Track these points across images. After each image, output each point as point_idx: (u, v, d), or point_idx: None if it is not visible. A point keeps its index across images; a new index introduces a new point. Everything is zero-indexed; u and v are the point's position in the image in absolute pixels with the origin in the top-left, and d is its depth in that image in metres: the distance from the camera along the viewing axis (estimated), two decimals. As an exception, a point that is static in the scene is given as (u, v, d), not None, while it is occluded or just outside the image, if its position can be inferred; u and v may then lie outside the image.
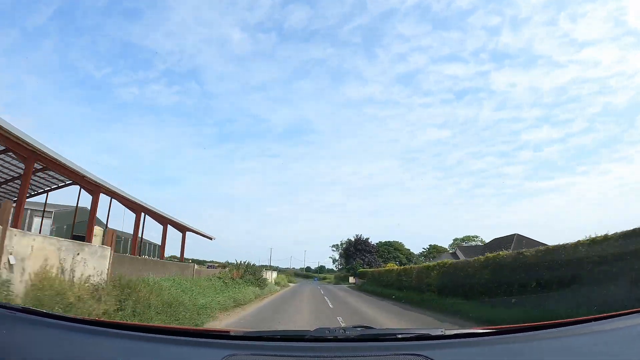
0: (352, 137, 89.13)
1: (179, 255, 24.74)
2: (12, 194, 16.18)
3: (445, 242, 65.80)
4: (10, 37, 63.43)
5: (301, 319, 10.88)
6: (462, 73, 70.45)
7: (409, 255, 67.20)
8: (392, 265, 39.71)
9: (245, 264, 21.88)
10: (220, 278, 17.30)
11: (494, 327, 1.45)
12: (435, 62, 74.36)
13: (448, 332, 1.39)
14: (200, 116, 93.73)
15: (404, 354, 1.18)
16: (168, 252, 25.09)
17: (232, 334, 1.43)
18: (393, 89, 79.68)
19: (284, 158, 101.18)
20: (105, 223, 17.17)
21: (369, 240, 61.33)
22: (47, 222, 20.59)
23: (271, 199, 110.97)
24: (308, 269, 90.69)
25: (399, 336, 1.39)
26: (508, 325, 1.46)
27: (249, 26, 77.07)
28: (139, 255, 18.27)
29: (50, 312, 1.56)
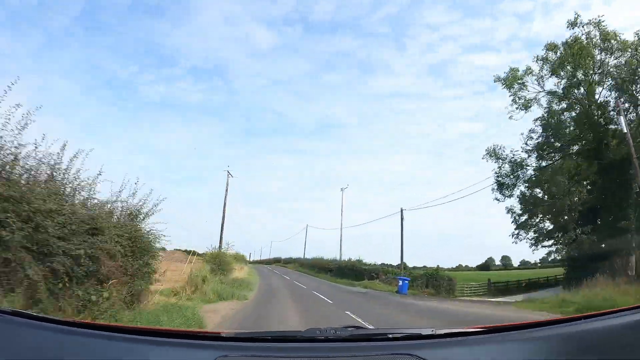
0: (380, 132, 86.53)
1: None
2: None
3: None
4: (36, 39, 63.12)
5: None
6: (493, 63, 67.84)
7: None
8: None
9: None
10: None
11: (484, 326, 1.47)
12: (465, 52, 72.16)
13: (439, 332, 1.40)
14: (226, 113, 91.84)
15: (395, 354, 1.19)
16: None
17: (223, 335, 1.42)
18: (423, 80, 76.95)
19: (311, 154, 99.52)
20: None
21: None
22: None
23: (298, 195, 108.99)
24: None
25: (390, 336, 1.40)
26: (499, 325, 1.48)
27: (273, 19, 75.01)
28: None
29: (40, 315, 1.54)
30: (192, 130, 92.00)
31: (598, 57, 18.36)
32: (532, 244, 23.79)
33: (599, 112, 18.50)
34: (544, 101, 20.35)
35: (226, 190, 28.75)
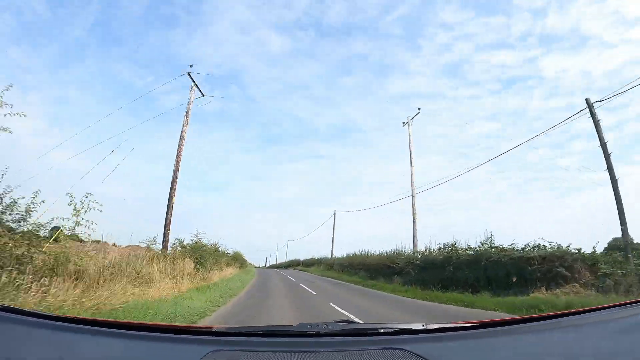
0: (398, 134, 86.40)
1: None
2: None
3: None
4: (52, 51, 62.46)
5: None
6: (509, 60, 66.36)
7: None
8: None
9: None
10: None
11: (475, 321, 1.48)
12: (481, 51, 70.54)
13: (430, 327, 1.41)
14: (244, 120, 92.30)
15: (386, 348, 1.20)
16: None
17: (215, 329, 1.42)
18: (439, 81, 76.16)
19: (329, 159, 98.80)
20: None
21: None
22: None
23: (316, 201, 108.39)
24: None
25: (381, 331, 1.41)
26: (489, 320, 1.49)
27: (286, 25, 74.95)
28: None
29: (28, 310, 1.52)
30: (210, 138, 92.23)
31: None
32: None
33: None
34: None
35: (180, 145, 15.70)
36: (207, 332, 1.42)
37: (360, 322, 1.35)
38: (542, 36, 58.04)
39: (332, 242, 40.79)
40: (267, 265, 77.18)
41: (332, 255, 38.25)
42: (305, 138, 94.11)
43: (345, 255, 30.04)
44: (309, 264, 44.07)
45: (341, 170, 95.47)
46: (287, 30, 74.59)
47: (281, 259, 72.74)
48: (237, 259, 26.80)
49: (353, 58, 77.20)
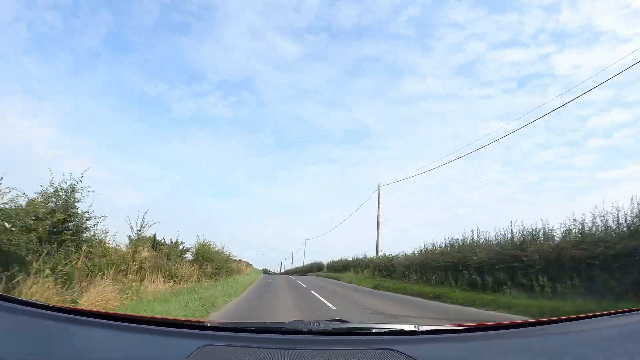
0: (410, 136, 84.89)
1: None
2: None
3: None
4: (65, 61, 62.37)
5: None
6: (522, 58, 64.30)
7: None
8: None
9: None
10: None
11: (466, 324, 1.49)
12: (493, 49, 68.81)
13: (422, 328, 1.42)
14: (257, 125, 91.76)
15: (377, 349, 1.20)
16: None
17: (207, 324, 1.42)
18: (451, 81, 75.41)
19: (342, 163, 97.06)
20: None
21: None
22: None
23: (328, 206, 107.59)
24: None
25: (373, 331, 1.41)
26: (481, 323, 1.51)
27: (297, 29, 73.55)
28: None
29: (17, 298, 1.51)
30: (223, 144, 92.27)
31: None
32: None
33: None
34: None
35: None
36: (199, 326, 1.42)
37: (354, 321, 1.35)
38: (555, 33, 57.32)
39: (377, 232, 26.65)
40: (282, 270, 72.95)
41: (377, 253, 25.30)
42: (319, 142, 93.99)
43: (404, 254, 19.93)
44: (338, 268, 33.24)
45: (354, 174, 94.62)
46: (297, 34, 74.59)
47: (297, 263, 65.60)
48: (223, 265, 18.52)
49: (364, 60, 77.19)
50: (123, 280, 8.93)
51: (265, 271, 58.19)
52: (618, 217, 9.21)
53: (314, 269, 44.56)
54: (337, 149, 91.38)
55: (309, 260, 54.84)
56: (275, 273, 58.51)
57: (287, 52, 74.18)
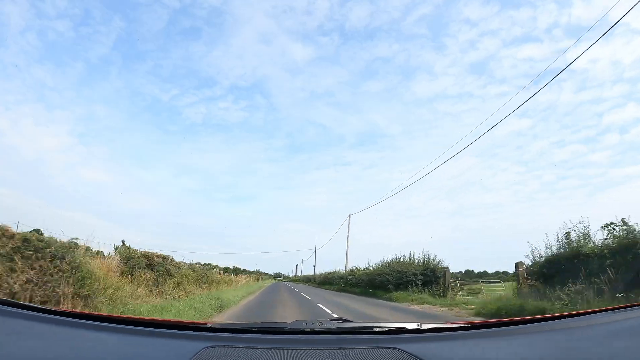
0: (425, 137, 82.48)
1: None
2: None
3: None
4: (77, 70, 61.93)
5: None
6: (537, 54, 64.17)
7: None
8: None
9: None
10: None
11: (469, 322, 1.49)
12: (507, 46, 69.28)
13: (424, 327, 1.42)
14: (269, 129, 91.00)
15: (380, 347, 1.20)
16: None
17: (209, 325, 1.42)
18: (465, 80, 74.67)
19: (356, 165, 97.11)
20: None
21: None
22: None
23: (340, 209, 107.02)
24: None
25: (376, 329, 1.41)
26: (484, 321, 1.50)
27: (309, 31, 73.89)
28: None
29: (19, 303, 1.51)
30: (236, 149, 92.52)
31: None
32: None
33: None
34: None
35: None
36: (201, 327, 1.42)
37: (356, 321, 1.36)
38: (569, 27, 55.86)
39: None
40: (296, 274, 72.91)
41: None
42: (332, 146, 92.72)
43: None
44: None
45: (368, 177, 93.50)
46: (308, 37, 73.52)
47: (308, 271, 65.38)
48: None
49: (377, 61, 76.04)
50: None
51: (277, 275, 57.09)
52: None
53: (324, 282, 47.80)
54: (350, 152, 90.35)
55: (320, 268, 58.38)
56: (288, 277, 58.78)
57: (300, 54, 73.08)
